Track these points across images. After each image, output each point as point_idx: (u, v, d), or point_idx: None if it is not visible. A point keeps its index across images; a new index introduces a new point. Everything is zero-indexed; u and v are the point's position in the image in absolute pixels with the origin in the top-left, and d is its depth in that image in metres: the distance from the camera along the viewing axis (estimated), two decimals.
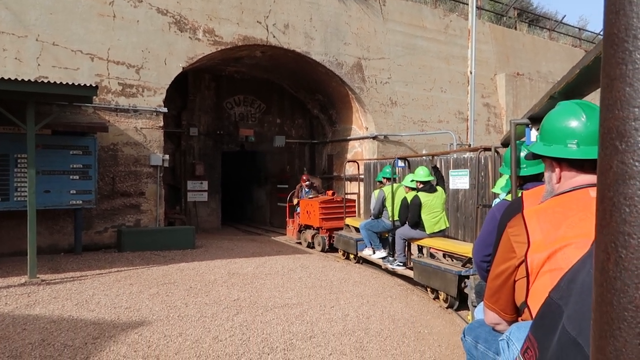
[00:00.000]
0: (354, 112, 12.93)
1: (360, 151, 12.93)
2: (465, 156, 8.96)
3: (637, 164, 0.35)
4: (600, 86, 0.38)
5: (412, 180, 6.83)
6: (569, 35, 19.69)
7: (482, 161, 8.34)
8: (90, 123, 8.72)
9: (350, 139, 13.31)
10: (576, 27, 20.67)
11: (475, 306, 4.50)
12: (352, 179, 11.96)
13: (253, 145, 14.36)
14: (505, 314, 1.47)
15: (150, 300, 5.57)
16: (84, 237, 8.84)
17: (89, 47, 9.05)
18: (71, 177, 8.44)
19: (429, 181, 6.70)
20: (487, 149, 5.96)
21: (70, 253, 8.67)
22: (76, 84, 7.24)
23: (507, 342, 1.32)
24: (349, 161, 11.25)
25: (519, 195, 1.89)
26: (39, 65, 8.59)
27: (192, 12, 10.11)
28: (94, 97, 8.22)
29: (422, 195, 6.59)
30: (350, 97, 12.58)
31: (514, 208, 1.59)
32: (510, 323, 1.47)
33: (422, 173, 6.71)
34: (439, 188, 6.85)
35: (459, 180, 8.99)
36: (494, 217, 2.25)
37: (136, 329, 4.56)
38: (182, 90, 12.89)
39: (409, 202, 6.74)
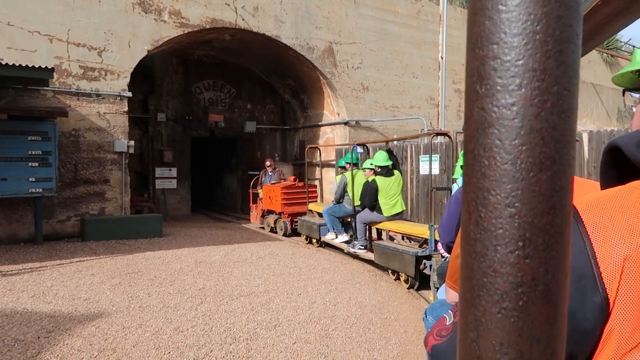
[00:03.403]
0: (326, 97, 12.82)
1: (332, 137, 12.86)
2: (436, 142, 9.01)
3: (495, 109, 0.30)
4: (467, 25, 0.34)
5: (371, 164, 6.96)
6: None
7: (445, 146, 8.42)
8: (49, 107, 8.36)
9: (322, 125, 13.22)
10: None
11: (437, 287, 4.55)
12: (316, 164, 11.94)
13: (223, 131, 14.10)
14: None
15: (112, 291, 5.42)
16: (45, 226, 8.53)
17: (47, 28, 8.64)
18: (30, 164, 8.10)
19: (386, 165, 6.88)
20: (441, 134, 6.04)
21: (30, 243, 8.36)
22: (31, 66, 6.92)
23: None
24: (310, 147, 11.18)
25: None
26: None
27: None
28: (52, 80, 7.89)
29: (379, 180, 6.79)
30: (322, 82, 12.47)
31: None
32: None
33: (381, 157, 6.91)
34: (395, 172, 7.09)
35: (428, 166, 9.02)
36: (458, 200, 2.26)
37: (94, 321, 4.42)
38: (148, 74, 12.49)
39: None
